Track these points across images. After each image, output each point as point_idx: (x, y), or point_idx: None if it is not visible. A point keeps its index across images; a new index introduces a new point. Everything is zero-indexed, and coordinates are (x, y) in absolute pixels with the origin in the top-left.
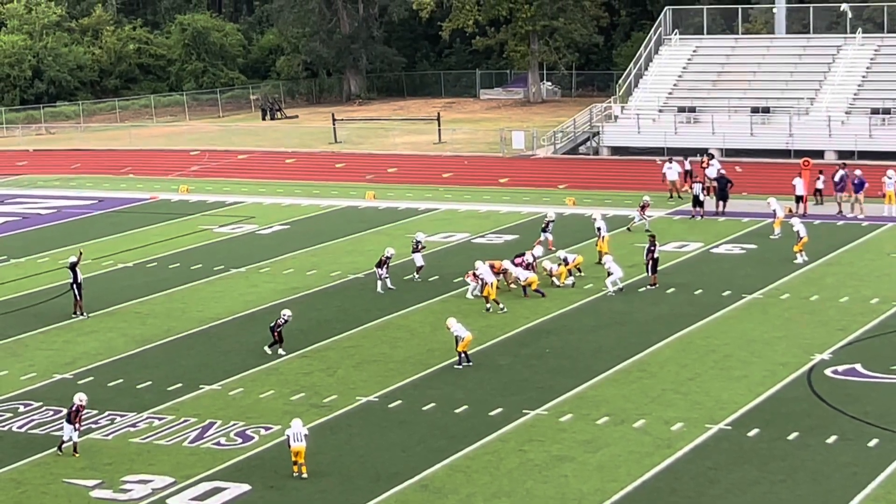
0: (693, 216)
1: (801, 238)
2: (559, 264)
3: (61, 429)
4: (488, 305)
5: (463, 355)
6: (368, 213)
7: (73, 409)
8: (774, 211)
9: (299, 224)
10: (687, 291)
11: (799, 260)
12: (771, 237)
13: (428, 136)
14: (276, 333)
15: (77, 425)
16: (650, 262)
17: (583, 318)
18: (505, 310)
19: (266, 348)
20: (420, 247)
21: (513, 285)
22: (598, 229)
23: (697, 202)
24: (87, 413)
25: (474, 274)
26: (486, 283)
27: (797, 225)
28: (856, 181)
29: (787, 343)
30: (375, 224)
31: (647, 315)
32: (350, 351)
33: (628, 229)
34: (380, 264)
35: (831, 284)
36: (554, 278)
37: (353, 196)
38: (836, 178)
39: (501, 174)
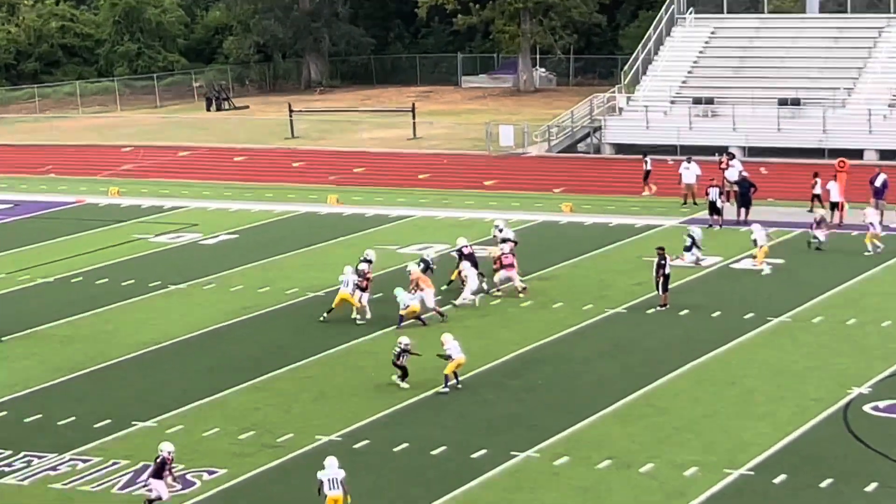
0: (710, 225)
1: (760, 246)
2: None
3: None
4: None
5: (451, 376)
6: (331, 221)
7: (159, 460)
8: (871, 224)
9: (250, 233)
10: (703, 314)
11: (759, 267)
12: (865, 253)
13: (401, 131)
14: (400, 365)
15: (170, 480)
16: (660, 279)
17: (581, 345)
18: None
19: (401, 382)
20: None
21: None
22: (504, 241)
23: (714, 209)
24: (0, 454)
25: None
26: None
27: (757, 232)
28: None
29: (820, 374)
30: (339, 233)
31: (656, 341)
32: (308, 382)
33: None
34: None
35: (872, 306)
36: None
37: (312, 200)
38: (878, 184)
39: (487, 175)
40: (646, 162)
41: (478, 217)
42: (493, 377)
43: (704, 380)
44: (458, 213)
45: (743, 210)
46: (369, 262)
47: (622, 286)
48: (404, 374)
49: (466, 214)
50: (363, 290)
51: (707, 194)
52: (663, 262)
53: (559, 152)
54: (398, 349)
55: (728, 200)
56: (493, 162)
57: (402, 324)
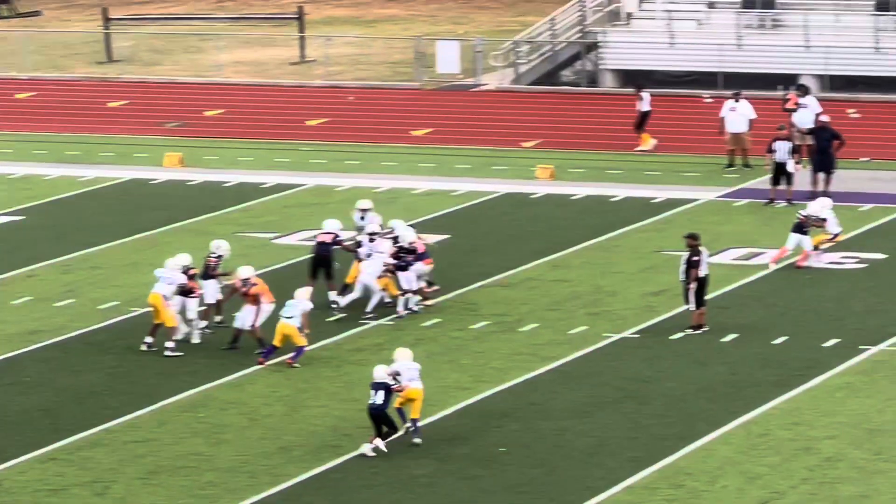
0: (771, 200)
1: (834, 234)
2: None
3: None
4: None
5: (410, 424)
6: (170, 193)
7: None
8: None
9: (41, 212)
10: (759, 339)
11: (813, 261)
12: None
13: (281, 51)
14: (384, 419)
15: None
16: (692, 285)
17: (568, 390)
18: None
19: (376, 442)
20: (214, 269)
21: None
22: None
23: (782, 175)
24: None
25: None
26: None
27: (825, 208)
28: None
29: None
30: (183, 214)
31: (684, 384)
32: (135, 449)
33: None
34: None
35: None
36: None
37: (140, 161)
38: None
39: (417, 121)
40: (641, 99)
41: (402, 187)
42: (429, 442)
43: (761, 445)
44: (373, 181)
45: (822, 175)
46: (219, 257)
47: (632, 297)
48: (390, 430)
49: (385, 182)
50: (186, 294)
51: (771, 152)
52: (696, 258)
53: (531, 84)
54: (379, 395)
55: (799, 161)
56: (428, 99)
57: (269, 358)
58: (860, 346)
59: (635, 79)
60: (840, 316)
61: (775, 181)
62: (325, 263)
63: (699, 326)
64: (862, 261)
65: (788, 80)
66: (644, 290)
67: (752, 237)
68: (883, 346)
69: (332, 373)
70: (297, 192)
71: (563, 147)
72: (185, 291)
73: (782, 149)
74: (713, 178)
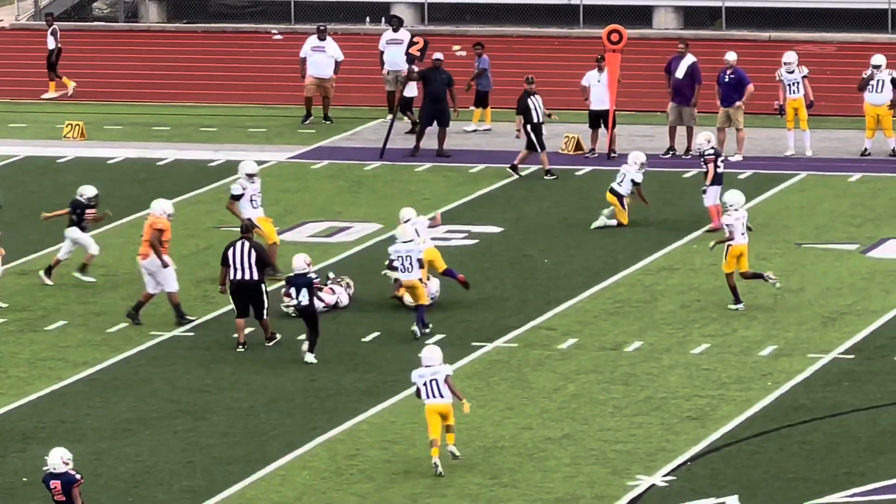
0: (549, 172)
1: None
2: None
3: None
4: None
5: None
6: None
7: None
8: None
9: None
10: (344, 337)
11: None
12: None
13: None
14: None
15: None
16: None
17: (107, 403)
18: None
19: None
20: None
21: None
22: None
23: (540, 138)
24: None
25: None
26: None
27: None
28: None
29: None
30: None
31: (252, 394)
32: None
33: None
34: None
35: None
36: None
37: None
38: (679, 75)
39: None
40: (54, 33)
41: None
42: None
43: (350, 469)
44: None
45: (432, 128)
46: None
47: (184, 285)
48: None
49: None
50: None
51: (524, 111)
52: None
53: (65, 21)
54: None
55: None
56: None
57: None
58: (472, 344)
59: (185, 11)
60: (446, 305)
61: (541, 146)
62: None
63: (271, 338)
64: (472, 235)
65: (379, 10)
66: (199, 276)
67: (334, 208)
68: (500, 342)
69: None
70: None
71: (96, 98)
72: None
73: (537, 106)
74: (284, 134)
